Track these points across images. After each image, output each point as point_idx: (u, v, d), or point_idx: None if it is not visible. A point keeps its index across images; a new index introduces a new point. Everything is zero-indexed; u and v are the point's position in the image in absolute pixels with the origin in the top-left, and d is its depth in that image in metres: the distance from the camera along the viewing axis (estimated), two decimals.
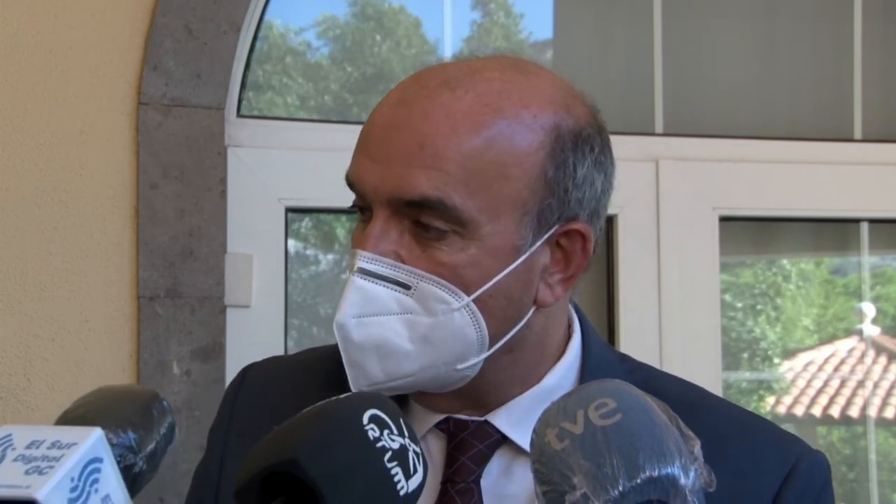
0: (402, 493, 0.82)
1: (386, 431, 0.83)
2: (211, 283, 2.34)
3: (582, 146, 1.20)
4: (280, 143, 2.52)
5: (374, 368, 1.16)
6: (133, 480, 0.86)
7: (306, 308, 2.76)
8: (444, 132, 1.14)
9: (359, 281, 1.14)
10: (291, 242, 2.60)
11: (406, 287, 1.15)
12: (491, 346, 1.18)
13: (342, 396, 0.86)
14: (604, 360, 1.30)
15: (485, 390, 1.22)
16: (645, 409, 0.86)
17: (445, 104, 1.16)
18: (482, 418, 1.22)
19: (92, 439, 0.79)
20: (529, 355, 1.23)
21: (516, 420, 1.22)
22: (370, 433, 0.82)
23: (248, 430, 1.28)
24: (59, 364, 2.27)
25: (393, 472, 0.82)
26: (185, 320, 2.32)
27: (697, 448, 0.85)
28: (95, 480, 0.78)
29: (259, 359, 1.43)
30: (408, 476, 0.83)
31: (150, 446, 0.88)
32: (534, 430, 0.87)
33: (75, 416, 0.88)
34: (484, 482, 1.21)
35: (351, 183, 1.18)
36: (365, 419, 0.83)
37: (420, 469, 0.85)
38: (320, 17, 2.82)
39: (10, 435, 0.80)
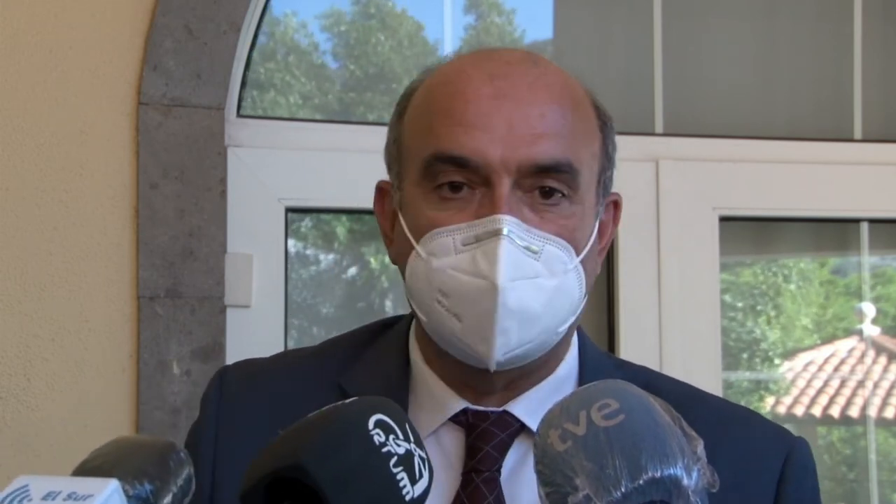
0: (407, 498, 0.82)
1: (392, 436, 0.83)
2: (211, 283, 2.34)
3: (613, 124, 1.31)
4: (280, 143, 2.52)
5: (514, 335, 1.18)
6: None
7: (306, 308, 2.76)
8: (554, 102, 1.22)
9: (507, 244, 1.16)
10: (291, 242, 2.61)
11: (535, 251, 1.18)
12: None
13: (347, 401, 0.86)
14: (596, 356, 1.35)
15: (527, 371, 1.24)
16: (648, 410, 0.86)
17: (541, 77, 1.23)
18: (500, 409, 1.25)
19: (108, 491, 0.79)
20: (566, 334, 1.28)
21: (534, 409, 1.25)
22: (376, 438, 0.82)
23: (239, 436, 1.28)
24: (59, 364, 2.27)
25: (398, 477, 0.82)
26: (185, 320, 2.32)
27: (700, 448, 0.85)
28: None
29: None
30: (413, 481, 0.83)
31: (167, 498, 0.88)
32: (536, 432, 0.88)
33: (92, 468, 0.88)
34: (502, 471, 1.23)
35: (458, 157, 1.18)
36: (371, 424, 0.83)
37: (426, 474, 0.85)
38: (327, 10, 2.82)
39: (26, 486, 0.80)
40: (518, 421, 1.25)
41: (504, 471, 1.23)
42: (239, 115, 2.50)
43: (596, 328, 2.71)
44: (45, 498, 0.78)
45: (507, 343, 1.17)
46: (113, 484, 0.80)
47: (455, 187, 1.19)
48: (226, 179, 2.37)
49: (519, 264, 1.16)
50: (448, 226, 1.18)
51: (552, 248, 1.19)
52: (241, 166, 2.45)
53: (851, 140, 2.87)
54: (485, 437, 1.23)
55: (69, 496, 0.78)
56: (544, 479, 0.85)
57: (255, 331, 2.44)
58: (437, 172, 1.19)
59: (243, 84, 2.52)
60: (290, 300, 2.53)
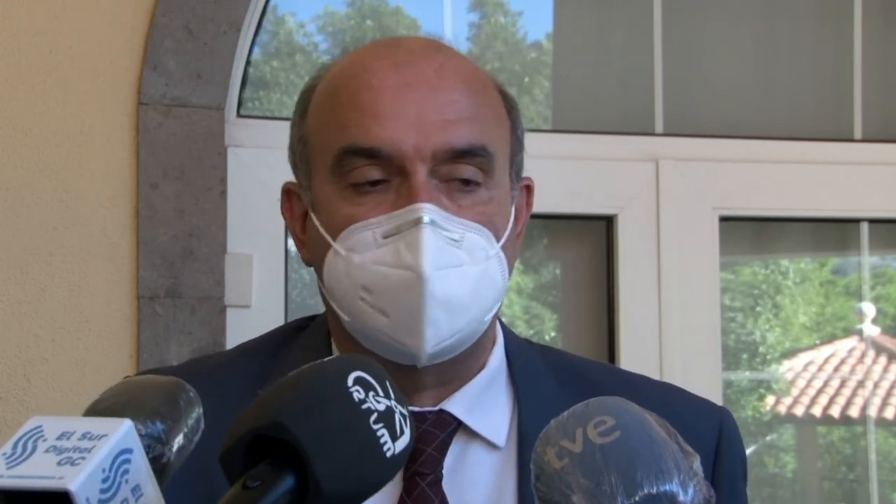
0: (388, 454, 0.82)
1: (371, 393, 0.82)
2: (211, 283, 2.34)
3: (518, 107, 1.30)
4: (280, 143, 2.50)
5: (444, 325, 1.16)
6: (161, 471, 0.86)
7: (306, 308, 2.76)
8: (462, 87, 1.20)
9: (429, 233, 1.14)
10: (291, 242, 2.60)
11: (457, 239, 1.16)
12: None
13: (326, 359, 0.86)
14: (520, 344, 1.34)
15: (456, 363, 1.22)
16: (643, 426, 0.86)
17: (446, 63, 1.21)
18: (437, 408, 1.23)
19: (122, 430, 0.79)
20: (492, 324, 1.27)
21: (470, 405, 1.24)
22: (355, 395, 0.81)
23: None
24: (59, 364, 2.27)
25: (379, 433, 0.81)
26: (185, 320, 2.32)
27: (697, 463, 0.85)
28: (126, 471, 0.79)
29: None
30: (394, 438, 0.82)
31: (178, 436, 0.88)
32: (534, 449, 0.88)
33: (104, 408, 0.88)
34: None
35: (370, 148, 1.16)
36: (349, 381, 0.82)
37: (407, 430, 0.84)
38: (322, 11, 2.82)
39: (40, 426, 0.80)
40: (455, 419, 1.23)
41: (444, 471, 1.21)
42: (239, 115, 2.50)
43: (596, 328, 2.71)
44: (59, 438, 0.78)
45: (438, 334, 1.16)
46: (126, 423, 0.80)
47: (371, 182, 1.16)
48: (226, 179, 2.37)
49: (442, 253, 1.14)
50: (366, 220, 1.16)
51: (473, 236, 1.17)
52: (241, 166, 2.45)
53: (851, 140, 2.87)
54: (425, 439, 1.21)
55: (84, 436, 0.78)
56: (542, 496, 0.85)
57: (255, 331, 2.41)
58: (349, 166, 1.17)
59: (243, 84, 2.52)
60: (290, 300, 2.53)
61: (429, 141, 1.16)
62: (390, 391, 0.84)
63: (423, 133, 1.16)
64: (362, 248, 1.16)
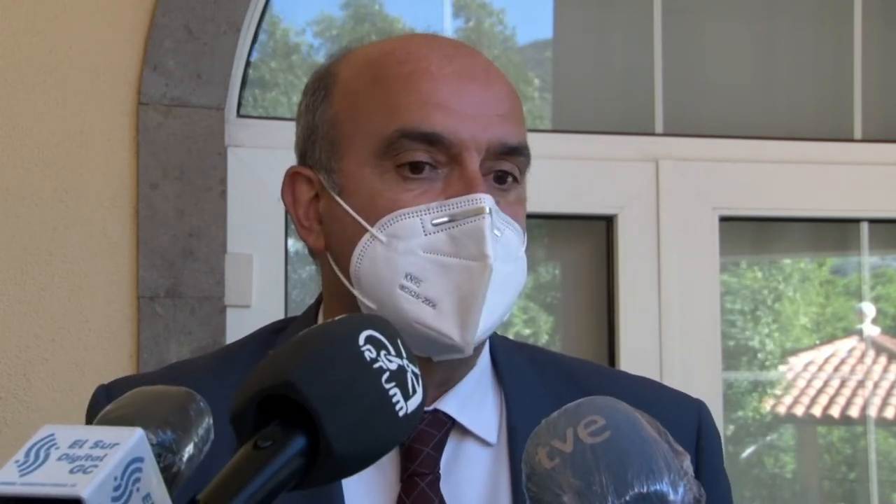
0: (401, 413, 0.80)
1: (383, 352, 0.81)
2: (211, 283, 2.35)
3: None
4: (280, 143, 2.51)
5: (489, 317, 1.15)
6: (171, 480, 0.86)
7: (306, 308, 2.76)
8: (506, 86, 1.21)
9: (489, 223, 1.13)
10: (291, 242, 2.60)
11: (499, 235, 1.15)
12: None
13: (337, 318, 0.84)
14: (500, 340, 1.33)
15: (464, 362, 1.22)
16: (634, 426, 0.86)
17: (489, 63, 1.22)
18: (431, 407, 1.22)
19: (134, 439, 0.78)
20: None
21: (463, 404, 1.23)
22: (367, 354, 0.80)
23: None
24: (59, 364, 2.27)
25: (391, 392, 0.80)
26: (185, 320, 2.32)
27: (687, 462, 0.85)
28: (137, 480, 0.78)
29: None
30: (407, 397, 0.81)
31: (189, 446, 0.88)
32: (525, 450, 0.88)
33: (115, 417, 0.88)
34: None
35: (431, 134, 1.14)
36: (361, 340, 0.80)
37: (419, 390, 0.83)
38: (319, 16, 2.82)
39: (52, 434, 0.80)
40: (449, 418, 1.22)
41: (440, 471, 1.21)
42: (239, 115, 2.50)
43: (596, 328, 2.71)
44: (71, 446, 0.78)
45: (484, 326, 1.15)
46: (138, 432, 0.79)
47: (417, 168, 1.15)
48: (226, 179, 2.37)
49: (494, 245, 1.14)
50: (414, 206, 1.14)
51: (510, 233, 1.17)
52: (241, 166, 2.45)
53: (851, 140, 2.87)
54: (422, 439, 1.20)
55: (96, 444, 0.78)
56: (533, 496, 0.85)
57: None
58: (399, 149, 1.15)
59: (243, 84, 2.52)
60: (290, 300, 2.53)
61: (485, 133, 1.15)
62: (402, 350, 0.83)
63: (480, 125, 1.15)
64: (408, 235, 1.14)
